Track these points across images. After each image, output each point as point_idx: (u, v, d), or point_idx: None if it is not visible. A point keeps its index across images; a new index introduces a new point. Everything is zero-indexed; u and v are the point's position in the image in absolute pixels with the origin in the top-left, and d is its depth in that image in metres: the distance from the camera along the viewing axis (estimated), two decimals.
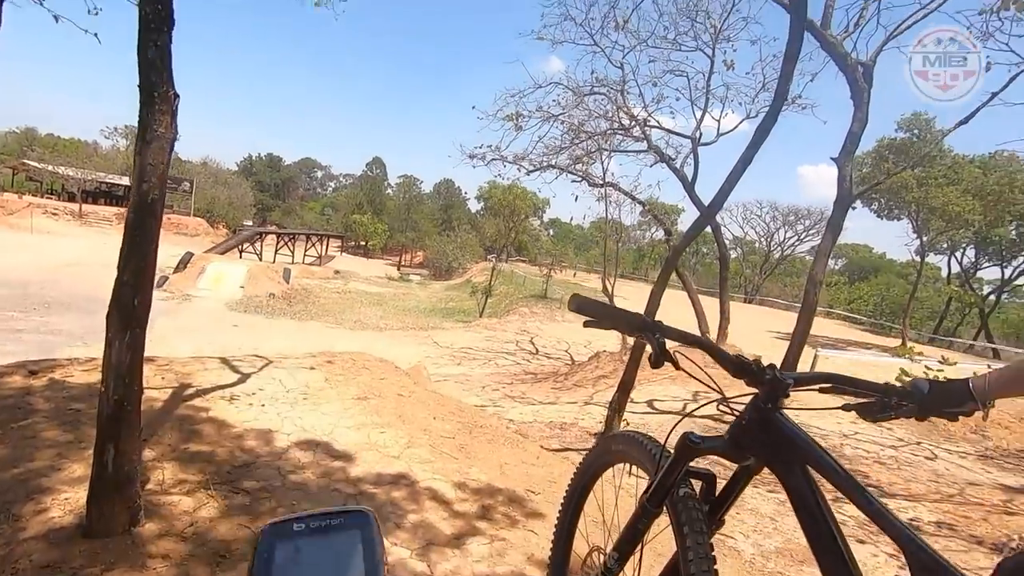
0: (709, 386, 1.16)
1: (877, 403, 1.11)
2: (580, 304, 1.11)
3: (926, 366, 9.01)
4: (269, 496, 2.51)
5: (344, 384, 4.35)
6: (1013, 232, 29.13)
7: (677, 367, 1.06)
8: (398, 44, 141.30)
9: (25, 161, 40.16)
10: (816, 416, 6.46)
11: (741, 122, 11.72)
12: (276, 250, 39.35)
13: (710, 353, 1.10)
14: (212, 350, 12.37)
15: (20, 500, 2.19)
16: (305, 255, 43.17)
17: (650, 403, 8.12)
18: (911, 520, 3.94)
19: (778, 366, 1.10)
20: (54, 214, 34.27)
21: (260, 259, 33.29)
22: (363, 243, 59.45)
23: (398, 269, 51.65)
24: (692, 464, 1.22)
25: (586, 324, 1.13)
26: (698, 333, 12.03)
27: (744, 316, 25.02)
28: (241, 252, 33.62)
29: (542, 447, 4.60)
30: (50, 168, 37.80)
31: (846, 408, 1.15)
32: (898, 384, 1.11)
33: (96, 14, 4.71)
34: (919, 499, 4.39)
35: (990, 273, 34.72)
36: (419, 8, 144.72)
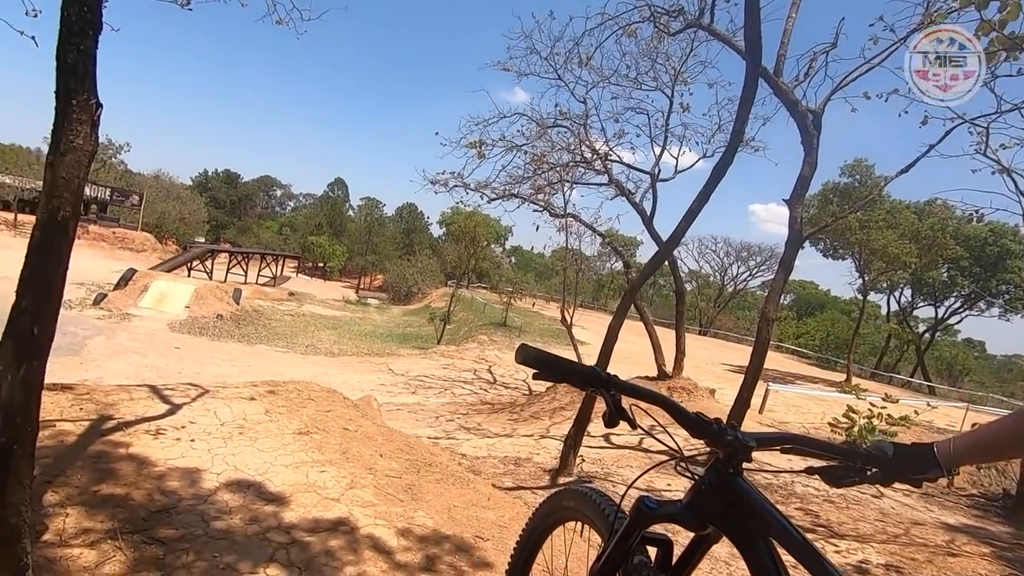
0: (668, 445, 1.07)
1: (842, 467, 1.04)
2: (528, 355, 1.01)
3: (870, 403, 9.32)
4: (187, 548, 2.26)
5: (286, 417, 4.09)
6: (945, 275, 31.14)
7: (634, 426, 0.97)
8: (365, 65, 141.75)
9: None
10: (765, 452, 6.49)
11: (698, 160, 12.10)
12: (228, 269, 37.96)
13: (669, 411, 1.01)
14: (149, 374, 11.63)
15: None
16: (259, 275, 41.81)
17: (606, 437, 8.04)
18: (861, 562, 3.95)
19: (733, 400, 1.03)
20: None
21: (210, 278, 32.00)
22: (321, 265, 58.18)
23: (356, 292, 50.63)
24: (649, 529, 1.12)
25: (535, 376, 1.02)
26: (655, 366, 12.16)
27: (699, 348, 25.54)
28: (190, 270, 32.24)
29: (494, 486, 4.42)
30: None
31: (809, 472, 1.07)
32: (861, 447, 1.05)
33: (35, 16, 4.45)
34: (867, 540, 4.41)
35: (925, 312, 36.90)
36: (386, 30, 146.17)
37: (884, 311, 39.18)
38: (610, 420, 0.98)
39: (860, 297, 28.17)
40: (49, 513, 2.30)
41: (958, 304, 33.86)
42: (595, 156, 11.58)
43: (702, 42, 9.30)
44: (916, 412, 10.24)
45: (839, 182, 25.57)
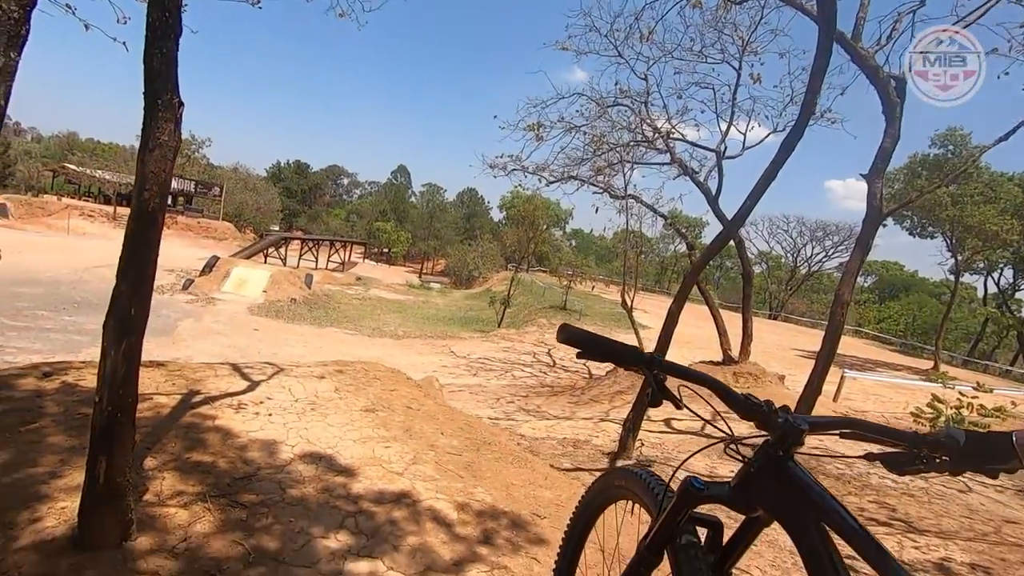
0: (716, 427, 1.06)
1: (905, 454, 0.99)
2: (570, 335, 1.01)
3: (960, 391, 8.63)
4: (267, 512, 2.45)
5: (353, 395, 4.31)
6: None
7: (679, 406, 0.97)
8: (423, 51, 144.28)
9: (65, 164, 41.76)
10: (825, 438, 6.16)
11: (768, 135, 11.45)
12: (300, 255, 39.94)
13: (716, 392, 1.00)
14: (232, 353, 12.52)
15: (16, 507, 2.17)
16: (328, 261, 43.73)
17: (667, 422, 7.92)
18: (943, 559, 3.71)
19: (803, 385, 1.00)
20: (90, 216, 35.40)
21: (284, 264, 33.80)
22: (386, 250, 60.05)
23: (419, 277, 51.97)
24: (699, 510, 1.12)
25: (579, 356, 1.03)
26: (720, 350, 11.78)
27: (768, 333, 24.49)
28: (266, 257, 34.16)
29: (552, 466, 4.48)
30: (88, 171, 39.23)
31: (869, 458, 1.03)
32: (928, 433, 0.99)
33: (125, 22, 4.81)
34: (951, 537, 4.14)
35: None
36: (443, 16, 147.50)
37: (980, 293, 35.94)
38: (652, 398, 0.98)
39: (952, 278, 25.93)
40: (148, 476, 2.56)
41: None
42: (656, 135, 11.23)
43: (772, 9, 8.76)
44: (1013, 403, 9.41)
45: (928, 154, 23.44)
